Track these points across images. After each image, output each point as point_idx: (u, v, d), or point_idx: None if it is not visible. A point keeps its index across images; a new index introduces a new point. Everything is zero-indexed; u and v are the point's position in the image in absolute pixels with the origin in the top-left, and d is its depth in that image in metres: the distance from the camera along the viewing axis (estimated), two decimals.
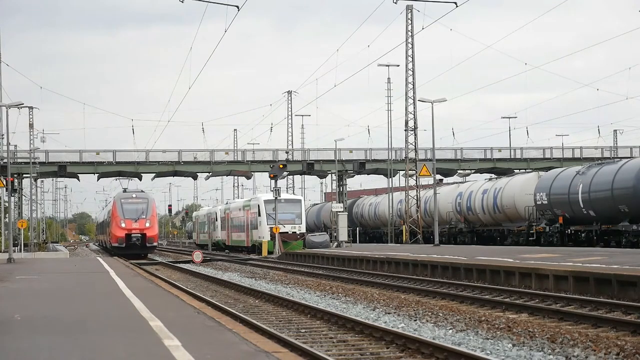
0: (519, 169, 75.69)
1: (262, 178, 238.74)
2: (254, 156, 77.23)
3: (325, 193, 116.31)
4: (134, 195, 57.63)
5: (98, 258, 51.15)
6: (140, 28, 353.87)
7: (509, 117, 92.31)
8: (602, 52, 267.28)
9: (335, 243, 54.90)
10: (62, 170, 76.49)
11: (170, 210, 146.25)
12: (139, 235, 55.46)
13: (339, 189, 79.25)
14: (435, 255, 33.33)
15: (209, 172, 77.82)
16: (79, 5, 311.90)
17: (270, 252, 55.24)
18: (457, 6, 36.31)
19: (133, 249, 55.09)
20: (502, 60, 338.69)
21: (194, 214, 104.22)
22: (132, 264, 42.56)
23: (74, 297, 18.88)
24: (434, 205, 51.28)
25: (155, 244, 57.50)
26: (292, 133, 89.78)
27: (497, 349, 13.23)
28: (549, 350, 13.01)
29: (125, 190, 59.76)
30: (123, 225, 55.51)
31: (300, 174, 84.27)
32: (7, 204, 55.21)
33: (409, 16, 58.19)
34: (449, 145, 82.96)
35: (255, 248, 60.19)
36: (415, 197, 60.43)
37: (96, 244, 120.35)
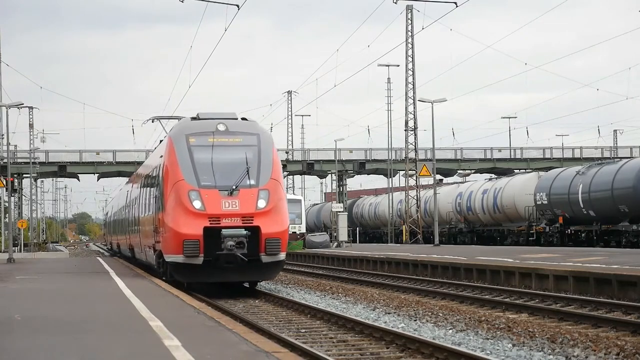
0: (519, 169, 75.68)
1: None
2: None
3: (325, 193, 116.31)
4: (221, 128, 22.80)
5: (98, 258, 50.90)
6: (140, 28, 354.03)
7: (509, 117, 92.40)
8: (602, 52, 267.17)
9: (335, 243, 54.87)
10: (62, 170, 76.46)
11: None
12: (241, 232, 21.37)
13: (339, 189, 79.28)
14: (435, 255, 33.31)
15: None
16: (79, 6, 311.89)
17: None
18: (457, 6, 36.30)
19: (227, 273, 21.88)
20: (502, 60, 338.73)
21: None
22: (134, 264, 41.66)
23: (74, 297, 18.89)
24: (434, 205, 51.27)
25: (282, 255, 22.12)
26: (292, 133, 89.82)
27: (497, 349, 13.22)
28: (549, 350, 13.01)
29: (197, 117, 23.59)
30: (196, 206, 21.56)
31: (300, 174, 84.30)
32: (7, 204, 55.13)
33: (409, 16, 58.15)
34: (449, 145, 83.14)
35: None
36: (415, 197, 60.41)
37: (106, 246, 78.24)
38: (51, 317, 14.24)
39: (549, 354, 12.74)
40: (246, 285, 23.69)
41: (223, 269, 21.37)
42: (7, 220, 55.15)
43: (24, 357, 10.02)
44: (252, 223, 21.24)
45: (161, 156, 23.35)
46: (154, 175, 24.89)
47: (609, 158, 73.39)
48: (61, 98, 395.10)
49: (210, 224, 21.11)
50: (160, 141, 28.85)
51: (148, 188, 26.37)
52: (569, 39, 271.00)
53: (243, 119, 23.50)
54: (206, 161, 21.85)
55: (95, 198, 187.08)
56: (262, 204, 21.46)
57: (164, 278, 23.56)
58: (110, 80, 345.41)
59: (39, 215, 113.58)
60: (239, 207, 21.27)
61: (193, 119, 23.29)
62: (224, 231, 20.94)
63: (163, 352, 9.99)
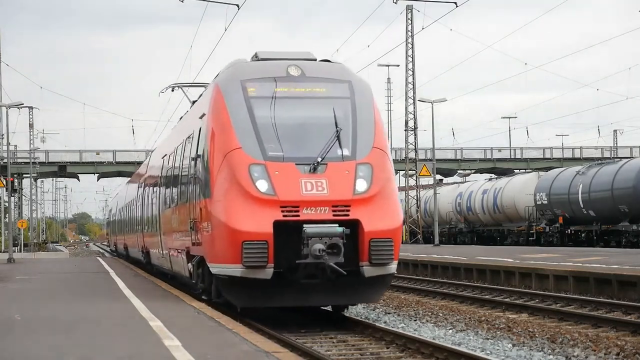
0: (519, 169, 75.74)
1: None
2: None
3: None
4: (293, 72, 15.54)
5: (98, 258, 50.85)
6: (140, 28, 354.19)
7: (509, 117, 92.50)
8: (602, 52, 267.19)
9: None
10: (62, 170, 76.54)
11: None
12: (335, 229, 13.91)
13: None
14: (435, 255, 33.32)
15: None
16: (79, 6, 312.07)
17: None
18: (457, 6, 36.28)
19: (309, 293, 14.41)
20: (502, 60, 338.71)
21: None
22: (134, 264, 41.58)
23: (74, 297, 18.87)
24: (434, 205, 51.28)
25: (393, 265, 14.67)
26: None
27: (497, 349, 13.23)
28: (549, 350, 13.01)
29: (256, 57, 16.40)
30: (262, 188, 14.17)
31: None
32: (7, 204, 55.14)
33: (409, 16, 58.16)
34: (449, 145, 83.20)
35: None
36: (415, 197, 60.41)
37: (109, 247, 70.62)
38: (51, 317, 14.24)
39: (549, 354, 12.75)
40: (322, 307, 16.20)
41: (304, 286, 14.23)
42: (7, 220, 55.18)
43: (24, 357, 10.02)
44: (348, 216, 14.11)
45: (202, 116, 16.01)
46: (187, 147, 17.49)
47: (609, 158, 73.43)
48: (61, 98, 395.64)
49: (285, 216, 13.97)
50: (193, 102, 20.94)
51: (177, 168, 18.93)
52: (569, 39, 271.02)
53: (324, 60, 16.57)
54: (275, 121, 14.84)
55: (95, 198, 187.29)
56: (362, 185, 14.38)
57: (204, 297, 16.28)
58: (110, 80, 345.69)
59: (39, 215, 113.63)
60: (327, 190, 14.15)
61: (254, 57, 16.46)
62: (308, 228, 13.81)
63: (163, 352, 9.99)
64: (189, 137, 17.56)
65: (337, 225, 13.94)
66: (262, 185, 14.13)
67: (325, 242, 13.74)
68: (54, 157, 76.64)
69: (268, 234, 13.79)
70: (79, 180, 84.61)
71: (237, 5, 28.92)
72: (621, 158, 59.06)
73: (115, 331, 12.18)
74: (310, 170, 14.34)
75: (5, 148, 58.47)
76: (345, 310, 16.29)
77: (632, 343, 13.38)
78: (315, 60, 16.37)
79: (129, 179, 44.00)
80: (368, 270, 14.19)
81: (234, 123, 14.76)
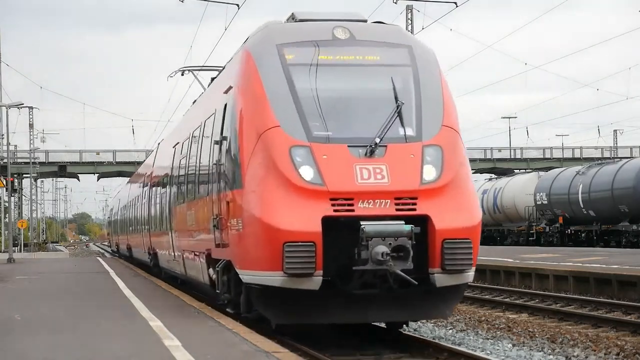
0: (519, 169, 75.72)
1: None
2: None
3: None
4: (340, 34, 12.76)
5: (98, 258, 50.82)
6: (140, 28, 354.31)
7: (509, 117, 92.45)
8: (602, 52, 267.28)
9: None
10: (62, 170, 76.59)
11: None
12: (402, 227, 11.24)
13: None
14: None
15: None
16: (79, 6, 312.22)
17: None
18: (457, 6, 36.27)
19: (367, 308, 11.76)
20: (502, 60, 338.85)
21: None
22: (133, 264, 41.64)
23: (74, 297, 18.87)
24: None
25: (471, 272, 11.81)
26: None
27: (497, 349, 13.23)
28: (549, 350, 13.01)
29: (293, 18, 13.37)
30: (307, 176, 11.55)
31: None
32: (7, 204, 55.16)
33: (409, 16, 58.10)
34: None
35: None
36: None
37: (110, 247, 67.27)
38: (51, 317, 14.23)
39: (549, 354, 12.75)
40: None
41: (357, 298, 11.62)
42: (7, 220, 55.19)
43: (24, 357, 10.02)
44: (414, 210, 11.55)
45: (227, 90, 13.22)
46: (208, 129, 14.65)
47: (609, 158, 73.45)
48: (61, 98, 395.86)
49: (336, 211, 11.39)
50: (211, 80, 17.87)
51: (193, 157, 16.06)
52: (569, 39, 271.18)
53: (377, 22, 13.77)
54: (320, 93, 12.15)
55: (95, 198, 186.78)
56: (431, 173, 11.78)
57: (229, 310, 13.59)
58: (110, 80, 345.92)
59: (39, 215, 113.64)
60: (388, 178, 11.58)
61: (289, 18, 13.57)
62: (368, 226, 11.18)
63: (163, 352, 9.99)
64: (209, 117, 14.59)
65: (403, 222, 11.26)
66: (307, 173, 11.43)
67: (390, 244, 11.00)
68: (54, 157, 76.68)
69: (316, 233, 11.05)
70: (79, 180, 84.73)
71: (237, 5, 28.91)
72: (621, 158, 59.09)
73: (115, 331, 12.17)
74: (366, 154, 11.58)
75: (5, 148, 58.49)
76: (405, 326, 13.87)
77: (632, 343, 13.38)
78: (365, 21, 13.57)
79: (133, 174, 41.14)
80: (440, 279, 11.43)
81: (270, 96, 11.93)
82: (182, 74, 23.62)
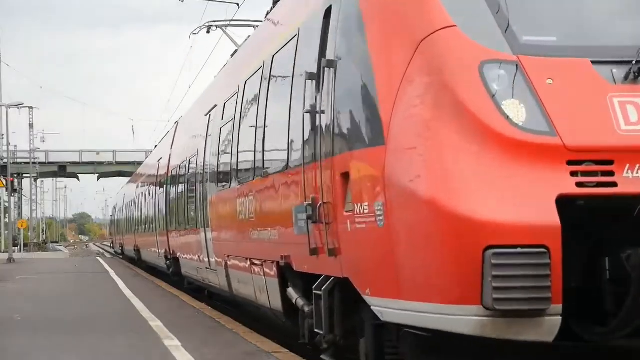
0: None
1: None
2: None
3: None
4: None
5: (98, 258, 50.81)
6: (140, 28, 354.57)
7: None
8: None
9: None
10: (62, 170, 76.63)
11: None
12: None
13: None
14: None
15: None
16: (79, 6, 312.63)
17: None
18: None
19: None
20: None
21: None
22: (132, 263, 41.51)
23: (74, 297, 18.88)
24: None
25: None
26: None
27: None
28: None
29: None
30: (517, 119, 5.69)
31: None
32: (7, 204, 55.21)
33: None
34: None
35: None
36: None
37: (114, 249, 61.78)
38: (51, 317, 14.23)
39: None
40: None
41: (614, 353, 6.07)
42: (7, 220, 55.25)
43: (24, 357, 10.02)
44: None
45: None
46: (287, 58, 9.18)
47: None
48: (61, 98, 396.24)
49: (581, 184, 5.65)
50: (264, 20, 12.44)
51: (253, 111, 10.73)
52: None
53: None
54: None
55: (95, 198, 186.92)
56: None
57: None
58: (110, 80, 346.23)
59: (39, 216, 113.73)
60: None
61: None
62: None
63: (163, 352, 9.99)
64: (284, 46, 9.43)
65: None
66: (518, 112, 5.85)
67: None
68: (54, 157, 76.70)
69: (550, 228, 5.50)
70: (79, 180, 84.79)
71: (237, 4, 28.94)
72: None
73: (115, 331, 12.17)
74: (629, 78, 5.91)
75: (5, 148, 58.54)
76: None
77: None
78: None
79: (141, 165, 35.59)
80: None
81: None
82: (208, 31, 20.46)
